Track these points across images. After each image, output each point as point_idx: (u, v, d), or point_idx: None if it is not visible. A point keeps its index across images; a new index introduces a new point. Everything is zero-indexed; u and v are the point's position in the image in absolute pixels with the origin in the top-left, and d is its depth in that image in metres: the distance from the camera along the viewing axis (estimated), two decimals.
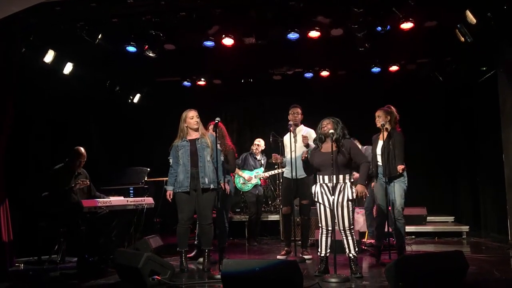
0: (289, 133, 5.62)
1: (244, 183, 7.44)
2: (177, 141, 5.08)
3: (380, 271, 4.71)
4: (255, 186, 7.38)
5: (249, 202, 7.47)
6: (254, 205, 7.35)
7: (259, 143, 7.45)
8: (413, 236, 7.22)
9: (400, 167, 5.07)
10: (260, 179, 7.40)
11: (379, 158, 5.22)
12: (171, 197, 5.05)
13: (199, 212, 5.05)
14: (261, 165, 7.43)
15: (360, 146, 5.71)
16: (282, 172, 6.01)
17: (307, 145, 5.34)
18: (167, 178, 5.23)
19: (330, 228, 4.52)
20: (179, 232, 5.02)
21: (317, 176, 4.58)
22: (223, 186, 5.11)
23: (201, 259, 5.41)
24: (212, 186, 4.95)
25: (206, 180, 4.95)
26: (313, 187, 4.61)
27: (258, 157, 7.46)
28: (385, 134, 5.16)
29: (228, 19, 6.14)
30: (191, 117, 5.07)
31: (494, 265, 4.86)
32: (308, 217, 5.70)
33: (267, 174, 7.46)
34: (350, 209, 4.46)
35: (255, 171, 7.41)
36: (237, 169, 7.43)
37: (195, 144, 5.01)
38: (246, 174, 7.38)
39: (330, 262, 4.54)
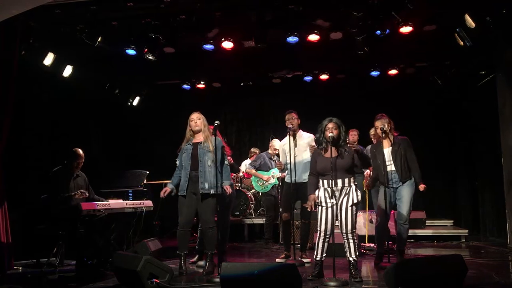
0: (287, 137, 5.64)
1: (262, 184, 7.44)
2: (184, 144, 5.10)
3: (379, 275, 4.72)
4: (273, 187, 7.39)
5: (268, 205, 7.42)
6: (273, 207, 7.31)
7: (274, 144, 7.38)
8: (412, 240, 7.21)
9: (422, 187, 5.14)
10: (277, 179, 7.37)
11: (389, 165, 5.15)
12: (166, 194, 4.98)
13: (200, 216, 5.06)
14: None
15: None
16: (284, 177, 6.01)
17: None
18: (166, 181, 5.22)
19: (329, 233, 4.49)
20: (178, 236, 5.03)
21: (321, 180, 4.55)
22: (226, 188, 4.97)
23: (200, 262, 5.43)
24: (212, 192, 4.89)
25: (206, 185, 4.90)
26: (317, 191, 4.58)
27: (274, 158, 7.45)
28: (387, 141, 5.16)
29: (228, 23, 6.15)
30: (192, 119, 5.07)
31: (493, 269, 4.86)
32: (308, 220, 5.70)
33: (285, 173, 7.35)
34: (354, 212, 4.45)
35: (271, 171, 7.41)
36: (253, 170, 7.43)
37: (197, 148, 5.00)
38: (263, 175, 7.39)
39: (325, 266, 4.54)
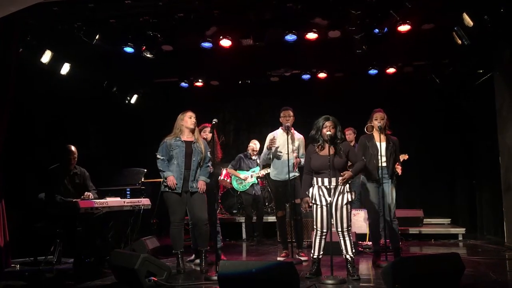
0: (279, 131, 5.67)
1: (240, 183, 7.47)
2: (170, 139, 5.02)
3: (376, 273, 4.73)
4: (252, 185, 7.40)
5: (245, 204, 7.56)
6: (249, 207, 7.45)
7: (255, 145, 7.47)
8: (409, 238, 7.23)
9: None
10: (257, 178, 7.41)
11: (383, 160, 5.11)
12: (174, 183, 4.87)
13: (193, 213, 5.04)
14: (257, 165, 7.44)
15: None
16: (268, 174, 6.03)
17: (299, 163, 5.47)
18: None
19: (325, 230, 4.51)
20: (173, 234, 5.00)
21: (316, 178, 4.56)
22: (199, 184, 4.98)
23: (198, 261, 5.42)
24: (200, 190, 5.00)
25: (195, 184, 4.97)
26: (311, 189, 4.59)
27: (254, 157, 7.49)
28: (383, 136, 5.15)
29: (226, 21, 6.14)
30: (190, 116, 5.06)
31: (490, 267, 4.88)
32: (300, 216, 5.70)
33: (263, 172, 7.25)
34: (349, 210, 4.47)
35: (251, 170, 7.43)
36: (233, 170, 7.46)
37: (190, 147, 5.01)
38: (242, 174, 7.40)
39: (322, 264, 4.57)
